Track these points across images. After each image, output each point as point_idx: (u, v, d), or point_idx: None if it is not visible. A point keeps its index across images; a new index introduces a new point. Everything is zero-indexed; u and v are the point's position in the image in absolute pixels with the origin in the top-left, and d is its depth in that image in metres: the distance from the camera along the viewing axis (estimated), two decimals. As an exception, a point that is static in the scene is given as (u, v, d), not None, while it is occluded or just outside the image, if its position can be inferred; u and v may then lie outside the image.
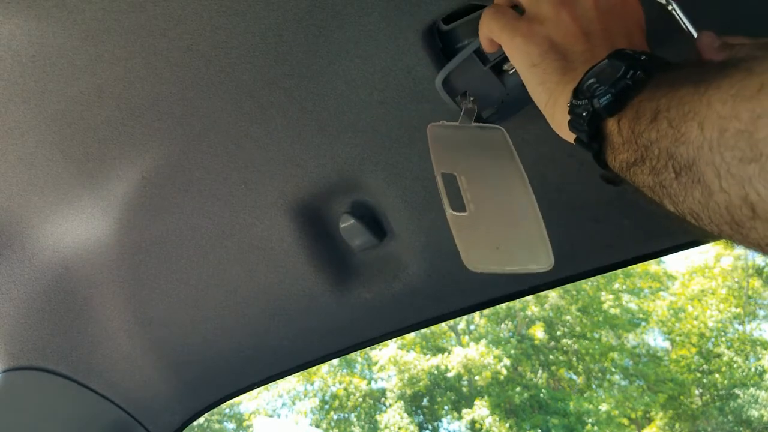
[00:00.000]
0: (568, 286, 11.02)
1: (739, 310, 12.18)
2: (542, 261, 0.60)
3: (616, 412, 11.44)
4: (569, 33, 0.50)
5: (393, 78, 0.69)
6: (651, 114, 0.38)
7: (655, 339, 13.55)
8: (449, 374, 11.64)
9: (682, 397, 11.63)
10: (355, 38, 0.65)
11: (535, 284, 0.92)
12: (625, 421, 11.67)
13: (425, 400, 12.18)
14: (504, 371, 11.28)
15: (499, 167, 0.62)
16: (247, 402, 13.29)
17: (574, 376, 12.59)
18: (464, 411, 11.45)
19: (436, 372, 11.77)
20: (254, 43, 0.65)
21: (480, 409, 11.11)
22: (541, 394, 11.69)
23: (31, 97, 0.68)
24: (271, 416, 13.20)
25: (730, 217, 0.33)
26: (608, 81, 0.43)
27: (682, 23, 0.52)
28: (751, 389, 11.39)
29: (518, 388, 11.43)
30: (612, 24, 0.50)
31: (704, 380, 11.88)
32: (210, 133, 0.75)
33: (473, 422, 11.19)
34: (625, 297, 12.89)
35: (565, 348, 12.47)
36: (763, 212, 0.31)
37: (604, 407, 11.37)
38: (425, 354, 12.25)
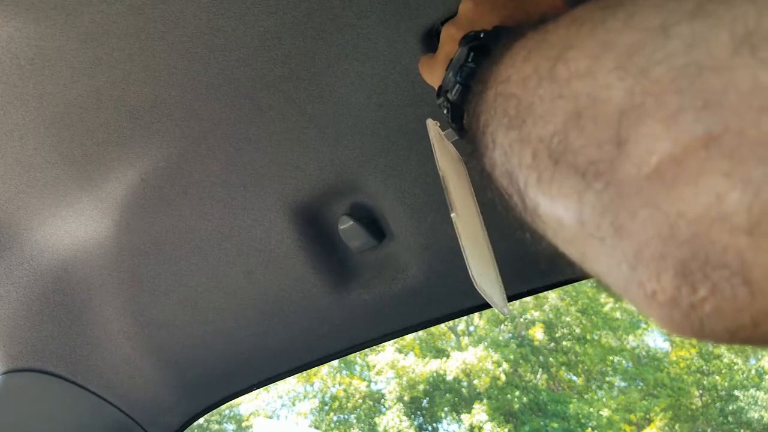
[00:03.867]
0: (568, 287, 11.02)
1: (738, 311, 12.13)
2: (500, 304, 0.57)
3: (617, 417, 11.43)
4: (456, 40, 0.48)
5: (391, 81, 0.69)
6: (492, 95, 0.34)
7: (655, 340, 13.56)
8: (448, 377, 11.63)
9: (682, 399, 11.62)
10: (353, 41, 0.65)
11: (534, 286, 0.92)
12: (625, 425, 11.66)
13: (425, 402, 12.17)
14: (503, 377, 11.28)
15: (466, 193, 0.60)
16: (246, 403, 13.30)
17: (574, 377, 12.58)
18: (463, 416, 11.43)
19: (435, 375, 11.77)
20: (253, 46, 0.65)
21: (479, 414, 11.10)
22: (541, 397, 11.68)
23: (29, 99, 0.68)
24: (270, 417, 13.19)
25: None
26: (456, 70, 0.41)
27: None
28: (751, 391, 11.40)
29: (517, 393, 11.42)
30: (496, 13, 0.47)
31: (704, 381, 11.87)
32: (209, 135, 0.75)
33: (472, 428, 11.17)
34: (625, 298, 12.85)
35: (564, 349, 12.47)
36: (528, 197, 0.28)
37: (604, 411, 11.37)
38: (424, 356, 12.25)
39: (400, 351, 12.26)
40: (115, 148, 0.75)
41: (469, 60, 0.40)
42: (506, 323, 12.78)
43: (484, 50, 0.39)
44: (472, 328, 13.08)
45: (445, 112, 0.44)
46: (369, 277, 0.93)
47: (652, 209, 0.21)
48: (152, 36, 0.63)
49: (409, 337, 12.15)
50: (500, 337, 12.51)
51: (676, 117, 0.20)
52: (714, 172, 0.19)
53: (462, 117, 0.41)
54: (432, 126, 0.57)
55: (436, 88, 0.50)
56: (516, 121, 0.28)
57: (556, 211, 0.26)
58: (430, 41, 0.66)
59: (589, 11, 0.26)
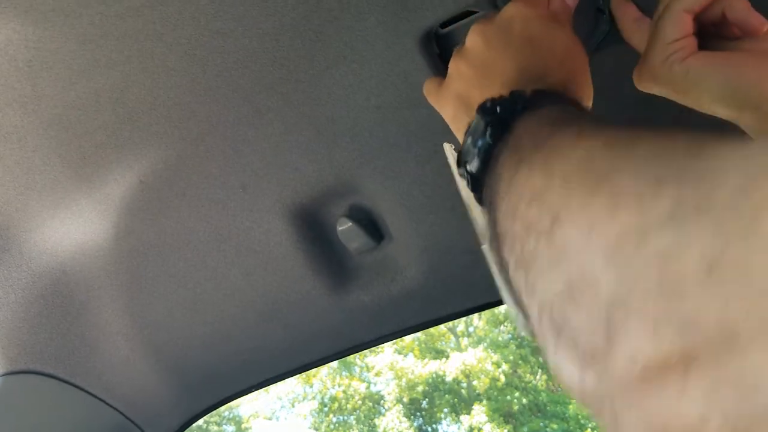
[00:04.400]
0: (567, 288, 10.97)
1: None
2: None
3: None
4: (466, 81, 0.47)
5: (390, 83, 0.69)
6: (506, 206, 0.33)
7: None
8: (448, 378, 11.63)
9: (681, 400, 11.61)
10: (352, 43, 0.65)
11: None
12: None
13: (424, 403, 12.16)
14: (503, 378, 11.27)
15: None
16: (246, 404, 13.28)
17: (574, 379, 12.56)
18: (463, 417, 11.43)
19: (434, 376, 11.76)
20: (251, 48, 0.65)
21: (478, 415, 11.09)
22: (540, 398, 11.68)
23: (28, 101, 0.68)
24: (270, 419, 13.18)
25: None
26: (475, 141, 0.40)
27: None
28: (751, 391, 11.39)
29: (517, 393, 11.42)
30: (511, 60, 0.46)
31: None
32: (207, 137, 0.75)
33: (471, 429, 11.17)
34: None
35: (564, 350, 12.44)
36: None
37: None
38: (423, 357, 12.24)
39: (399, 352, 12.26)
40: (114, 150, 0.75)
41: (487, 135, 0.39)
42: (506, 324, 12.79)
43: (501, 125, 0.39)
44: (471, 329, 13.08)
45: (465, 182, 0.43)
46: (368, 278, 0.93)
47: (642, 412, 0.20)
48: (151, 38, 0.63)
49: (408, 338, 12.15)
50: (500, 338, 12.51)
51: (657, 326, 0.19)
52: (694, 393, 0.18)
53: (482, 189, 0.40)
54: (449, 150, 0.56)
55: (444, 117, 0.50)
56: (522, 265, 0.28)
57: (564, 377, 0.26)
58: (429, 43, 0.66)
59: (582, 171, 0.26)
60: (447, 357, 12.19)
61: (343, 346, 1.03)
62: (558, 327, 0.25)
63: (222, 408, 1.21)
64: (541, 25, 0.47)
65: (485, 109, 0.41)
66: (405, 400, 11.81)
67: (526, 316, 0.30)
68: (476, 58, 0.48)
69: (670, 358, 0.19)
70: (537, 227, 0.27)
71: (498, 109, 0.40)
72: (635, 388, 0.20)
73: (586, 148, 0.28)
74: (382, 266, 0.92)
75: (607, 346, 0.22)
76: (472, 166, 0.40)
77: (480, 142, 0.39)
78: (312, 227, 0.87)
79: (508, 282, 0.32)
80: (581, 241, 0.24)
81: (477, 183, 0.40)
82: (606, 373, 0.22)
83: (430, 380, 11.84)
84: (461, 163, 0.42)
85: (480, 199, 0.41)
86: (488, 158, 0.38)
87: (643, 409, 0.20)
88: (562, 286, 0.25)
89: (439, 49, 0.68)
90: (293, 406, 13.12)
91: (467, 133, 0.42)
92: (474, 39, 0.49)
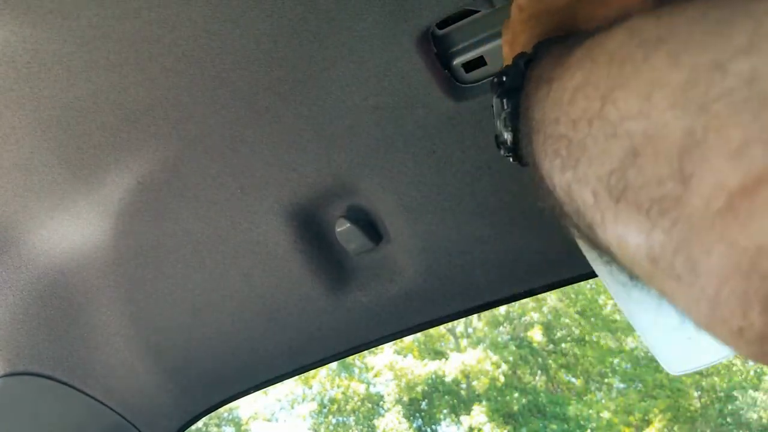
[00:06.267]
0: (567, 288, 11.02)
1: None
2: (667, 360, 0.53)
3: (616, 419, 11.42)
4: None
5: (388, 83, 0.69)
6: (542, 138, 0.34)
7: (654, 341, 13.50)
8: (447, 379, 11.63)
9: (680, 400, 11.62)
10: (349, 44, 0.65)
11: (533, 287, 0.92)
12: (624, 427, 11.65)
13: (423, 404, 12.15)
14: (502, 378, 11.27)
15: None
16: (245, 406, 13.26)
17: (573, 379, 12.58)
18: (462, 417, 11.43)
19: (434, 377, 11.76)
20: (249, 48, 0.65)
21: (478, 416, 11.09)
22: (540, 399, 11.68)
23: (26, 102, 0.68)
24: (269, 420, 13.17)
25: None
26: (500, 118, 0.42)
27: None
28: (750, 392, 11.40)
29: (516, 394, 11.42)
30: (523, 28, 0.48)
31: (703, 383, 11.87)
32: (206, 138, 0.75)
33: (471, 429, 11.17)
34: (624, 299, 12.84)
35: (563, 351, 12.46)
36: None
37: (603, 412, 11.36)
38: (423, 358, 12.24)
39: (398, 353, 12.25)
40: (112, 152, 0.75)
41: (505, 107, 0.40)
42: (505, 325, 12.78)
43: (512, 93, 0.40)
44: (470, 330, 13.07)
45: (502, 152, 0.44)
46: (366, 279, 0.93)
47: (729, 244, 0.20)
48: (149, 39, 0.63)
49: (407, 339, 12.14)
50: (499, 339, 12.51)
51: (743, 150, 0.20)
52: None
53: (520, 156, 0.41)
54: None
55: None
56: (569, 161, 0.28)
57: (627, 250, 0.26)
58: (426, 44, 0.66)
59: (625, 48, 0.26)
60: (446, 358, 12.18)
61: (342, 347, 1.03)
62: (617, 195, 0.25)
63: (221, 409, 1.21)
64: None
65: (494, 86, 0.42)
66: (404, 400, 11.80)
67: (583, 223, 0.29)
68: (511, 25, 0.50)
69: (759, 179, 0.19)
70: (585, 115, 0.27)
71: (504, 78, 0.41)
72: (720, 221, 0.20)
73: (626, 29, 0.27)
74: (380, 267, 0.92)
75: (681, 188, 0.21)
76: (507, 139, 0.41)
77: (503, 115, 0.41)
78: (310, 228, 0.87)
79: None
80: (640, 104, 0.24)
81: (517, 150, 0.41)
82: (681, 219, 0.22)
83: (430, 381, 11.83)
84: (499, 145, 0.44)
85: (523, 164, 0.41)
86: (516, 122, 0.39)
87: (731, 240, 0.20)
88: (622, 155, 0.24)
89: (436, 48, 0.68)
90: (292, 408, 13.11)
91: (495, 118, 0.43)
92: (513, 8, 0.51)
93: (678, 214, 0.22)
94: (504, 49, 0.52)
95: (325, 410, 12.65)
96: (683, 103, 0.22)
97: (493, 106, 0.43)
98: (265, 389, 1.10)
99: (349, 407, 12.44)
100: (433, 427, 12.29)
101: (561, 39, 0.39)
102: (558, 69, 0.32)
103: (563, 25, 0.45)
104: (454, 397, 12.02)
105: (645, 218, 0.23)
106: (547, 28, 0.46)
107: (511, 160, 0.44)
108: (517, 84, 0.39)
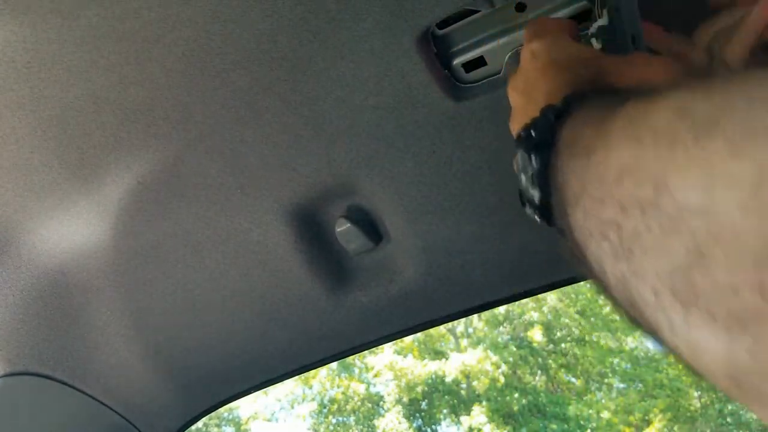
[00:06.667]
0: (567, 288, 11.01)
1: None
2: None
3: (616, 418, 11.42)
4: (515, 109, 0.48)
5: (388, 83, 0.69)
6: (581, 213, 0.31)
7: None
8: (447, 379, 11.63)
9: (680, 400, 11.62)
10: (349, 43, 0.65)
11: (533, 287, 0.92)
12: (625, 427, 11.65)
13: (423, 404, 12.15)
14: (502, 378, 11.27)
15: None
16: (245, 406, 13.26)
17: (573, 379, 12.58)
18: (462, 418, 11.43)
19: (434, 377, 11.76)
20: (249, 48, 0.65)
21: (478, 416, 11.09)
22: (540, 399, 11.68)
23: (26, 102, 0.68)
24: (269, 420, 13.17)
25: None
26: (528, 175, 0.38)
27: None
28: (750, 392, 11.38)
29: (516, 394, 11.42)
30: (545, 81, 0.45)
31: (703, 383, 11.81)
32: (205, 138, 0.75)
33: (471, 429, 11.17)
34: (624, 299, 12.85)
35: (563, 351, 12.46)
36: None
37: (603, 412, 11.36)
38: (423, 358, 12.24)
39: (398, 353, 12.25)
40: (112, 151, 0.75)
41: (533, 163, 0.37)
42: (505, 325, 12.78)
43: (542, 148, 0.37)
44: (470, 330, 13.07)
45: (528, 209, 0.41)
46: (366, 279, 0.93)
47: None
48: (148, 39, 0.63)
49: (407, 339, 12.14)
50: (499, 339, 12.50)
51: None
52: None
53: (548, 217, 0.38)
54: None
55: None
56: (622, 251, 0.26)
57: (701, 363, 0.23)
58: (426, 44, 0.66)
59: (671, 124, 0.23)
60: (446, 358, 12.18)
61: (342, 347, 1.03)
62: (685, 299, 0.22)
63: (221, 409, 1.21)
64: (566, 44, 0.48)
65: (521, 140, 0.39)
66: (404, 400, 11.80)
67: (637, 315, 0.27)
68: (526, 75, 0.49)
69: None
70: (637, 201, 0.24)
71: (533, 132, 0.38)
72: None
73: (675, 102, 0.24)
74: (380, 267, 0.92)
75: (761, 302, 0.19)
76: (534, 197, 0.38)
77: (530, 171, 0.37)
78: (310, 228, 0.87)
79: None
80: (701, 198, 0.21)
81: (545, 210, 0.38)
82: (764, 337, 0.19)
83: (430, 381, 11.83)
84: (524, 201, 0.41)
85: (557, 230, 0.38)
86: (545, 181, 0.36)
87: None
88: (685, 253, 0.22)
89: (436, 48, 0.68)
90: (292, 408, 13.11)
91: (519, 172, 0.40)
92: (524, 52, 0.50)
93: (761, 331, 0.19)
94: (512, 95, 0.50)
95: (325, 410, 12.65)
96: (756, 206, 0.19)
97: (518, 160, 0.40)
98: (265, 389, 1.10)
99: (349, 407, 12.44)
100: (433, 427, 12.29)
101: (595, 95, 0.36)
102: (599, 139, 0.29)
103: (593, 79, 0.43)
104: (454, 397, 12.02)
105: (723, 331, 0.21)
106: (575, 79, 0.43)
107: (537, 220, 0.41)
108: (546, 139, 0.37)
